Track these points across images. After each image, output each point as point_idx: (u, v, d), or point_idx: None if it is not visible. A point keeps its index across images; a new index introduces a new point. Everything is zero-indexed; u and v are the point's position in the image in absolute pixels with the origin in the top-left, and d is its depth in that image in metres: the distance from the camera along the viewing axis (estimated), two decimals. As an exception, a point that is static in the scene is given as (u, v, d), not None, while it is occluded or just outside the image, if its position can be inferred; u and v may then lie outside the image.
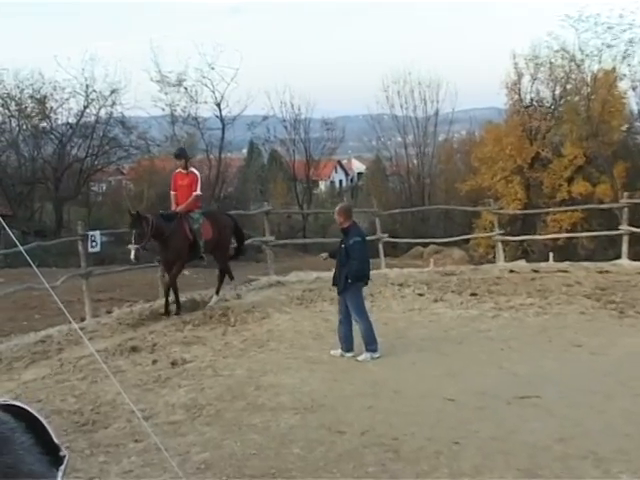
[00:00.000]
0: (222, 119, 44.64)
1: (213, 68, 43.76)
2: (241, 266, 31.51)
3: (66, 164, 43.67)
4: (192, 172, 14.28)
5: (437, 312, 14.34)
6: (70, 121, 44.18)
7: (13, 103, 42.87)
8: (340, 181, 76.90)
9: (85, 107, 43.45)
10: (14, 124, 43.57)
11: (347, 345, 11.04)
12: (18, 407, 1.22)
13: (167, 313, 13.77)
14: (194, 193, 14.13)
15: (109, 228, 37.50)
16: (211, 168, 45.06)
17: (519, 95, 41.48)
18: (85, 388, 9.92)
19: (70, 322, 13.87)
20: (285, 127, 50.83)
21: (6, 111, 43.06)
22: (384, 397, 9.29)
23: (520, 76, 41.17)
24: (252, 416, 8.75)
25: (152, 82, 44.22)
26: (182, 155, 14.56)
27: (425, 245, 33.58)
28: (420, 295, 15.88)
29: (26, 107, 43.27)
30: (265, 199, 42.45)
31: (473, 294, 15.74)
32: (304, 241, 35.96)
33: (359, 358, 10.84)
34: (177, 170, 14.37)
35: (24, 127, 43.53)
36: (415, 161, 51.14)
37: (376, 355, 10.93)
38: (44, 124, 44.06)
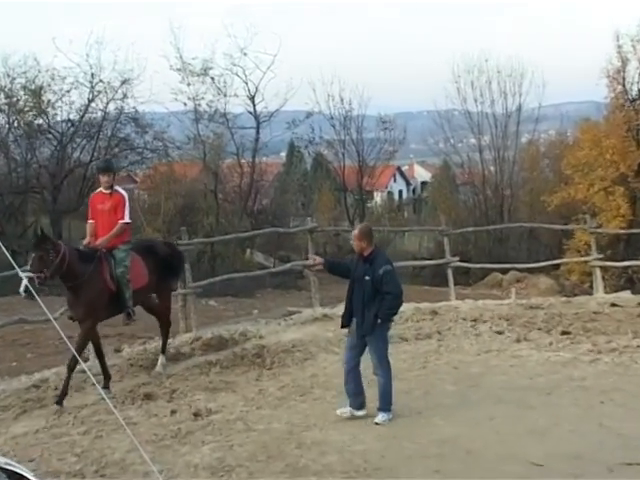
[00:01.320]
0: (256, 116, 44.95)
1: (246, 54, 44.21)
2: (279, 295, 31.75)
3: (66, 170, 44.24)
4: (117, 192, 12.73)
5: (520, 355, 14.22)
6: (71, 117, 44.75)
7: (2, 95, 43.54)
8: (400, 192, 77.03)
9: (90, 101, 44.04)
10: (3, 121, 44.19)
11: (359, 401, 10.86)
12: (10, 471, 1.22)
13: (62, 400, 11.71)
14: (120, 221, 12.58)
15: (117, 248, 38.12)
16: (243, 176, 45.40)
17: (623, 86, 41.18)
18: (88, 444, 10.00)
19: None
20: (333, 126, 50.99)
21: (-7, 105, 43.68)
22: (454, 459, 9.24)
23: (625, 62, 40.91)
24: (292, 481, 8.76)
25: (172, 71, 44.73)
26: (109, 169, 13.06)
27: (504, 271, 33.43)
28: (499, 333, 15.79)
29: (18, 100, 43.87)
30: (308, 213, 42.65)
31: (565, 332, 15.61)
32: (355, 265, 35.85)
33: (377, 420, 10.59)
34: (97, 190, 13.01)
35: (15, 125, 44.13)
36: (492, 168, 50.90)
37: (390, 417, 10.78)
38: (40, 121, 44.64)
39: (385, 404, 10.70)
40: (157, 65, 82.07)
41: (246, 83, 44.58)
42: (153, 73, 70.23)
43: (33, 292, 10.16)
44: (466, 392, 11.92)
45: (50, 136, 44.56)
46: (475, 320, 16.83)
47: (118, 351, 15.25)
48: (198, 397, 11.91)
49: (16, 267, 9.64)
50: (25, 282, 11.00)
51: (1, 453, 9.80)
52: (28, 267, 11.50)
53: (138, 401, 11.74)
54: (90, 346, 14.81)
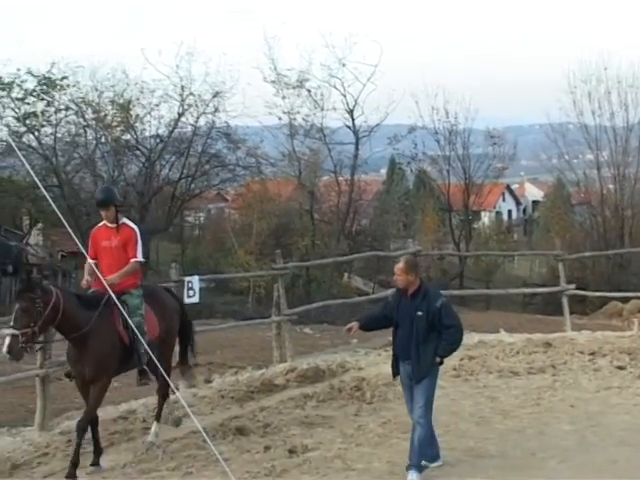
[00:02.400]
0: (355, 131, 45.09)
1: (344, 65, 44.47)
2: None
3: (155, 188, 44.95)
4: (126, 226, 11.26)
5: (644, 392, 13.95)
6: (160, 133, 45.54)
7: (89, 110, 44.52)
8: (509, 212, 76.38)
9: (180, 115, 44.75)
10: (90, 136, 45.16)
11: (434, 451, 10.36)
12: None
13: (74, 472, 10.24)
14: (133, 259, 11.16)
15: (208, 270, 38.56)
16: (340, 194, 45.49)
17: None
18: (177, 481, 10.10)
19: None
20: (437, 141, 50.88)
21: (80, 120, 44.70)
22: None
23: None
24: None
25: (266, 83, 45.16)
26: (108, 202, 11.22)
27: (625, 300, 32.76)
28: (620, 368, 15.49)
29: (105, 115, 44.85)
30: (410, 235, 42.62)
31: (695, 369, 15.25)
32: (462, 292, 35.65)
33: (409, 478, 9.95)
34: (100, 224, 11.40)
35: (103, 140, 45.01)
36: (611, 186, 50.12)
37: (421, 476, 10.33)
38: (127, 136, 45.50)
39: (418, 459, 10.02)
40: (250, 77, 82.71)
41: (344, 96, 44.84)
42: (246, 85, 70.71)
43: (17, 353, 9.70)
44: (584, 433, 11.70)
45: (138, 152, 45.38)
46: (593, 353, 16.54)
47: (208, 382, 15.37)
48: (293, 432, 11.92)
49: (109, 289, 10.31)
50: (7, 341, 9.76)
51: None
52: (11, 323, 9.93)
53: (230, 435, 11.79)
54: (177, 374, 15.00)
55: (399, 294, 10.15)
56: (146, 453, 11.17)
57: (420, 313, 9.81)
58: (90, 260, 11.15)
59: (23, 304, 9.98)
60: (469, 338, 18.05)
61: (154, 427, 11.77)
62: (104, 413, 13.38)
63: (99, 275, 10.75)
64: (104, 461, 10.97)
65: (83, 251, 10.96)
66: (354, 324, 10.43)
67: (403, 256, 11.11)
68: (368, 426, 12.13)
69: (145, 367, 11.10)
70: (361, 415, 12.79)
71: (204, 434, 9.06)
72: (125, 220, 11.38)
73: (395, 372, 10.25)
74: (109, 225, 11.19)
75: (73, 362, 10.84)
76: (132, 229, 11.23)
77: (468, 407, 13.19)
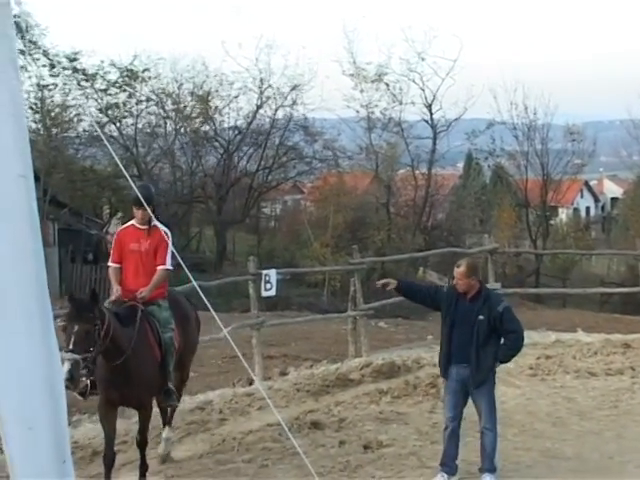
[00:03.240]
0: (433, 125, 44.93)
1: (423, 59, 44.30)
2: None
3: (232, 179, 45.29)
4: (158, 229, 9.99)
5: None
6: (239, 124, 45.83)
7: (169, 101, 44.98)
8: (587, 209, 75.44)
9: (258, 107, 45.01)
10: (170, 127, 45.65)
11: (455, 465, 10.02)
12: None
13: None
14: (161, 267, 10.03)
15: (283, 262, 38.70)
16: (417, 188, 45.36)
17: None
18: (253, 473, 10.17)
19: (235, 384, 14.39)
20: (515, 137, 50.40)
21: (161, 111, 45.19)
22: (650, 512, 8.95)
23: None
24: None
25: (344, 76, 45.19)
26: (149, 199, 9.48)
27: None
28: None
29: (185, 106, 45.27)
30: (485, 230, 42.25)
31: None
32: (539, 290, 35.35)
33: None
34: (128, 224, 10.52)
35: (182, 131, 45.45)
36: (694, 184, 49.36)
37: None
38: (206, 128, 45.91)
39: (492, 463, 9.90)
40: (329, 70, 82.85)
41: (423, 90, 44.69)
42: (324, 79, 70.95)
43: (77, 381, 8.71)
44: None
45: (216, 144, 45.75)
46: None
47: (284, 374, 15.43)
48: (368, 428, 11.93)
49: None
50: (67, 367, 8.48)
51: (165, 477, 10.11)
52: (70, 346, 8.70)
53: (305, 429, 11.84)
54: (257, 367, 15.09)
55: (456, 293, 9.95)
56: (222, 444, 11.26)
57: (482, 317, 9.65)
58: (114, 265, 10.15)
59: (84, 326, 8.79)
60: (546, 337, 17.93)
61: (165, 433, 10.78)
62: (181, 403, 13.53)
63: (116, 285, 10.01)
64: (180, 451, 11.09)
65: (170, 244, 9.82)
66: (391, 280, 10.43)
67: (464, 259, 10.88)
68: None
69: (171, 386, 10.06)
70: (436, 412, 12.72)
71: (284, 426, 9.08)
72: (157, 223, 10.05)
73: (444, 374, 10.04)
74: (139, 226, 10.10)
75: (110, 387, 9.52)
76: (164, 233, 9.85)
77: (545, 407, 13.08)
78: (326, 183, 47.60)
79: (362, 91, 44.89)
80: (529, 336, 17.85)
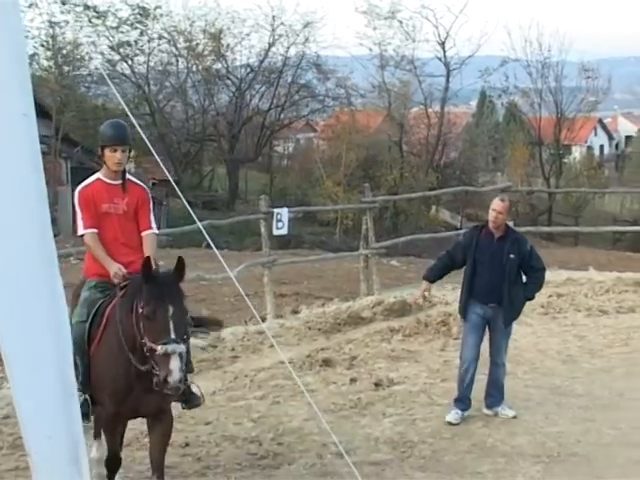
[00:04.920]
0: (446, 63, 44.68)
1: (437, -5, 43.78)
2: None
3: (244, 118, 45.17)
4: (135, 184, 8.05)
5: None
6: (251, 62, 45.62)
7: (181, 39, 44.78)
8: (601, 147, 75.07)
9: (270, 45, 44.77)
10: (182, 65, 45.49)
11: (469, 403, 10.12)
12: None
13: None
14: (149, 232, 7.90)
15: (295, 201, 38.70)
16: (430, 127, 45.20)
17: None
18: (265, 410, 10.22)
19: (247, 322, 14.43)
20: (529, 74, 50.17)
21: (173, 49, 45.03)
22: (660, 449, 8.98)
23: None
24: (478, 462, 8.70)
25: (357, 13, 44.88)
26: (126, 139, 7.91)
27: None
28: None
29: (197, 44, 45.06)
30: (499, 168, 42.24)
31: None
32: (551, 229, 35.31)
33: (511, 414, 9.95)
34: (92, 179, 8.05)
35: (194, 69, 45.26)
36: None
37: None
38: (218, 66, 45.72)
39: (502, 395, 10.10)
40: (341, 7, 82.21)
41: (436, 27, 44.46)
42: (337, 16, 70.61)
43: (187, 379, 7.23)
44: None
45: (228, 82, 45.64)
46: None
47: (296, 312, 15.45)
48: (379, 366, 11.97)
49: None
50: (178, 365, 6.53)
51: (177, 414, 10.17)
52: (172, 334, 6.58)
53: (316, 367, 11.88)
54: (268, 305, 15.14)
55: (476, 235, 9.95)
56: (234, 381, 11.32)
57: (512, 256, 9.74)
58: (90, 230, 7.73)
59: (181, 306, 6.84)
60: (557, 275, 17.87)
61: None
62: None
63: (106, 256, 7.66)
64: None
65: (171, 179, 9.54)
66: (422, 287, 10.42)
67: (500, 194, 10.91)
68: (454, 361, 12.04)
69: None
70: (447, 350, 12.77)
71: (289, 366, 9.12)
72: (129, 176, 8.08)
73: (465, 314, 10.03)
74: (109, 181, 7.89)
75: (127, 399, 7.22)
76: (144, 189, 8.06)
77: (555, 345, 13.10)
78: (338, 121, 47.46)
79: (375, 29, 44.72)
80: (541, 274, 17.92)
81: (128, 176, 8.05)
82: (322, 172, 44.58)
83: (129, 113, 9.11)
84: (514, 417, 9.89)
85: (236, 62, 45.85)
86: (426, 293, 10.60)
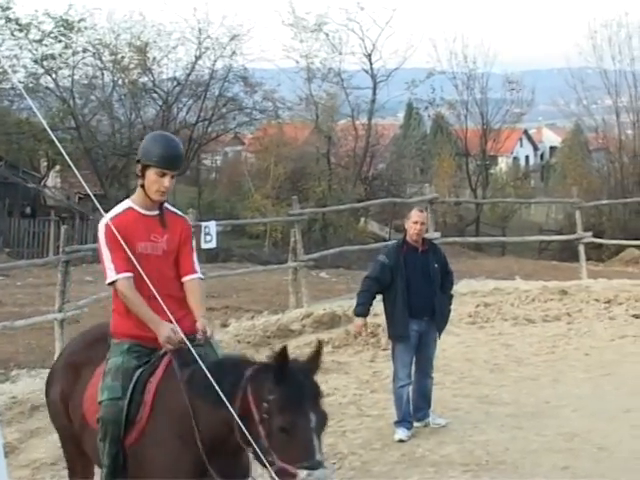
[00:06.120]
0: (373, 75, 44.83)
1: (363, 8, 44.08)
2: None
3: (171, 131, 44.79)
4: (175, 216, 6.31)
5: (659, 341, 13.97)
6: (177, 76, 45.39)
7: (107, 52, 44.39)
8: (526, 157, 76.02)
9: (197, 58, 44.55)
10: (107, 79, 45.10)
11: (411, 419, 9.98)
12: None
13: None
14: (195, 277, 6.19)
15: (224, 214, 38.62)
16: (357, 139, 45.35)
17: None
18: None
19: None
20: (455, 86, 50.55)
21: (98, 62, 44.56)
22: (584, 455, 9.13)
23: None
24: (408, 471, 8.79)
25: (284, 26, 44.91)
26: (175, 161, 6.16)
27: (641, 247, 32.73)
28: (636, 317, 15.53)
29: (123, 57, 44.73)
30: (426, 180, 42.47)
31: None
32: (478, 239, 35.68)
33: (438, 422, 10.04)
34: (123, 207, 6.21)
35: (120, 83, 44.96)
36: (630, 132, 49.82)
37: None
38: (145, 79, 45.41)
39: (430, 404, 10.14)
40: (268, 20, 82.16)
41: (363, 40, 44.52)
42: (264, 29, 70.70)
43: None
44: (599, 381, 11.76)
45: (155, 95, 45.32)
46: (609, 301, 16.55)
47: (225, 326, 15.44)
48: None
49: (116, 233, 5.75)
50: None
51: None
52: (317, 456, 5.06)
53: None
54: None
55: (400, 253, 9.97)
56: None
57: (437, 265, 9.88)
58: (123, 275, 5.93)
59: (324, 412, 5.29)
60: (484, 285, 18.12)
61: None
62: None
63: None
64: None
65: (92, 195, 6.69)
66: (359, 324, 10.40)
67: (417, 206, 10.97)
68: (383, 372, 12.18)
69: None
70: (376, 361, 12.88)
71: (213, 382, 9.09)
72: (167, 205, 6.31)
73: (404, 333, 9.84)
74: (146, 212, 6.10)
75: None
76: (186, 222, 6.37)
77: (483, 354, 13.27)
78: (266, 134, 47.44)
79: (302, 41, 44.69)
80: (469, 284, 18.14)
81: (166, 205, 6.22)
82: (250, 185, 44.54)
83: (47, 128, 8.59)
84: (444, 426, 10.00)
85: (163, 75, 45.55)
86: (363, 330, 10.60)
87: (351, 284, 22.98)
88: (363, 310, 10.24)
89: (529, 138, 77.22)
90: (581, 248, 20.95)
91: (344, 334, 14.20)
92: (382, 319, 14.96)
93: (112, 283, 5.97)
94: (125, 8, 45.51)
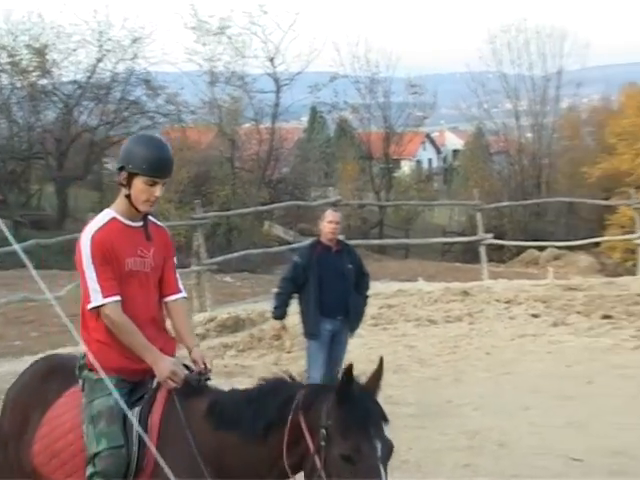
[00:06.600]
0: (276, 79, 44.85)
1: (266, 12, 44.07)
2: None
3: (73, 135, 44.36)
4: (157, 227, 5.60)
5: (557, 340, 14.25)
6: (78, 78, 44.83)
7: (4, 54, 43.65)
8: (429, 160, 76.78)
9: (98, 61, 44.10)
10: (5, 81, 44.30)
11: None
12: None
13: None
14: (180, 297, 5.70)
15: (127, 218, 38.22)
16: (261, 142, 45.32)
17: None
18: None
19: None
20: (358, 90, 50.88)
21: (-5, 64, 43.81)
22: (486, 453, 9.27)
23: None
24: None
25: (186, 29, 44.69)
26: (168, 168, 5.42)
27: (541, 249, 33.31)
28: (534, 316, 15.80)
29: (21, 59, 44.00)
30: (330, 183, 42.69)
31: (606, 316, 15.60)
32: (381, 242, 35.95)
33: None
34: (106, 218, 5.41)
35: (18, 86, 44.23)
36: (529, 135, 50.72)
37: None
38: (44, 82, 44.77)
39: None
40: (170, 23, 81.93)
41: (265, 43, 44.52)
42: (166, 32, 70.13)
43: None
44: (499, 380, 11.95)
45: (55, 98, 44.71)
46: (509, 302, 16.83)
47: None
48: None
49: (13, 241, 5.92)
50: None
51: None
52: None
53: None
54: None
55: (314, 252, 10.10)
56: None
57: (350, 266, 9.99)
58: (111, 299, 5.18)
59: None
60: (388, 287, 18.27)
61: None
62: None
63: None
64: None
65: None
66: (278, 327, 10.60)
67: (330, 208, 11.13)
68: (288, 375, 12.20)
69: None
70: (280, 364, 12.85)
71: (113, 390, 9.01)
72: (150, 217, 5.57)
73: (316, 332, 10.01)
74: (130, 223, 5.38)
75: None
76: (166, 233, 5.68)
77: (386, 355, 13.20)
78: (169, 138, 47.06)
79: (204, 45, 44.48)
80: (372, 287, 18.19)
81: (148, 216, 5.50)
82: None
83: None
84: None
85: (63, 78, 44.97)
86: (282, 332, 10.61)
87: (255, 287, 23.01)
88: (280, 313, 10.36)
89: (432, 141, 78.04)
90: (482, 250, 21.25)
91: (248, 337, 14.21)
92: (286, 322, 15.07)
93: (96, 308, 5.16)
94: (23, 9, 44.78)
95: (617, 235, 31.89)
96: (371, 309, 15.73)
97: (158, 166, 5.24)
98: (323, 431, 4.53)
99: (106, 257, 5.15)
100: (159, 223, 5.62)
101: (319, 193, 42.51)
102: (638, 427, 9.97)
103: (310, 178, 49.41)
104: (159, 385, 5.13)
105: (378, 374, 4.93)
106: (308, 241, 12.94)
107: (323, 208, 22.32)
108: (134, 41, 43.43)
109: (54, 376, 5.55)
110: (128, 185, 5.29)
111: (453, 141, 78.75)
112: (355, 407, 4.58)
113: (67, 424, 5.19)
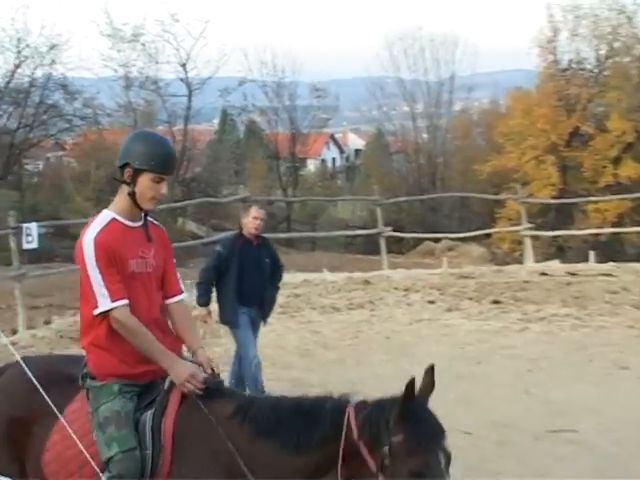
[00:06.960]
0: (188, 83, 44.63)
1: (177, 20, 43.81)
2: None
3: (-8, 137, 43.56)
4: (155, 227, 5.26)
5: (451, 324, 14.46)
6: (-4, 83, 44.03)
7: None
8: (333, 159, 77.06)
9: (16, 66, 43.31)
10: None
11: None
12: None
13: None
14: (180, 298, 5.27)
15: (47, 216, 37.69)
16: (175, 143, 45.03)
17: (554, 55, 41.61)
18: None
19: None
20: (266, 93, 50.90)
21: None
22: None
23: (556, 32, 41.31)
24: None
25: (102, 36, 44.20)
26: (173, 164, 5.20)
27: (436, 240, 33.75)
28: (430, 303, 16.02)
29: (-62, 65, 43.08)
30: (241, 181, 42.59)
31: (495, 302, 15.89)
32: (288, 235, 35.99)
33: None
34: (106, 218, 5.11)
35: (-64, 90, 43.34)
36: (425, 136, 51.27)
37: None
38: (-38, 86, 43.89)
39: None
40: (87, 31, 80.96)
41: (177, 50, 44.25)
42: (82, 39, 69.46)
43: None
44: (398, 362, 12.09)
45: (-26, 103, 43.82)
46: (407, 290, 17.05)
47: (48, 323, 15.14)
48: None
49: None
50: None
51: None
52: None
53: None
54: (20, 317, 14.72)
55: (236, 244, 10.13)
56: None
57: (268, 260, 10.11)
58: (119, 303, 4.83)
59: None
60: (295, 277, 18.32)
61: None
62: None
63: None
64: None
65: None
66: (204, 314, 10.27)
67: (255, 203, 11.18)
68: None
69: None
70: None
71: (31, 376, 8.92)
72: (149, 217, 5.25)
73: (234, 320, 10.04)
74: (130, 224, 5.08)
75: None
76: (164, 232, 5.35)
77: (293, 341, 13.44)
78: (87, 140, 46.62)
79: (119, 51, 44.03)
80: (280, 277, 18.30)
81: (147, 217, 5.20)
82: (72, 189, 43.66)
83: None
84: None
85: (-19, 83, 44.20)
86: (208, 319, 10.58)
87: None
88: (205, 300, 10.30)
89: (335, 142, 78.31)
90: (382, 241, 21.45)
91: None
92: (198, 311, 15.04)
93: (104, 313, 4.81)
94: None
95: (506, 227, 32.38)
96: (280, 298, 15.76)
97: (165, 162, 5.01)
98: (386, 449, 4.28)
99: (110, 259, 4.83)
100: (157, 223, 5.29)
101: (230, 191, 42.37)
102: (522, 402, 10.21)
103: (221, 177, 49.28)
104: (170, 387, 4.80)
105: (430, 385, 4.68)
106: (227, 234, 13.03)
107: (233, 204, 22.39)
108: (52, 48, 42.78)
109: (50, 384, 5.06)
110: (133, 183, 4.98)
111: (355, 141, 79.13)
112: (419, 423, 4.40)
113: (77, 433, 4.80)
